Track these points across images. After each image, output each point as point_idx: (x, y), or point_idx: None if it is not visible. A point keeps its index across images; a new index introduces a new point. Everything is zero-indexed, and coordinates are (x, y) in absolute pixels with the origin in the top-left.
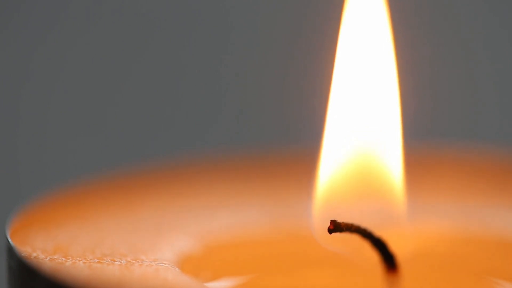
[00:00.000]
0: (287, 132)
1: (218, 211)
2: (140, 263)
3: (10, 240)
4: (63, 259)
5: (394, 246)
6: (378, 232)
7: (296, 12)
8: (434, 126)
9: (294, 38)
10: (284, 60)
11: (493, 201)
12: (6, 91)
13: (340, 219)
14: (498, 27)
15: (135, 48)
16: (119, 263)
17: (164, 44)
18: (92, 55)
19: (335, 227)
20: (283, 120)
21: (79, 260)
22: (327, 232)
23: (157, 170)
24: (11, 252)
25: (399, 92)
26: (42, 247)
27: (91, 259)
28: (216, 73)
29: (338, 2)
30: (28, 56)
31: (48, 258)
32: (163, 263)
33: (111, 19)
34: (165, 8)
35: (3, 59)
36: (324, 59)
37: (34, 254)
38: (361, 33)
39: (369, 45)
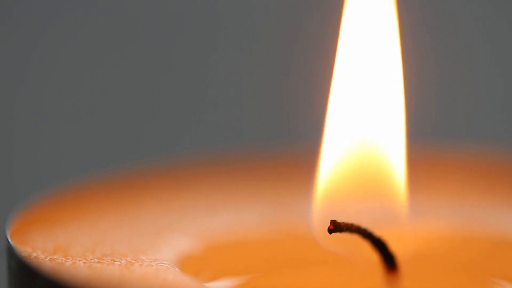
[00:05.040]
0: (287, 132)
1: (218, 211)
2: (140, 263)
3: (10, 240)
4: (63, 259)
5: (394, 246)
6: (378, 232)
7: (296, 10)
8: (434, 126)
9: (294, 37)
10: (284, 59)
11: (493, 201)
12: (5, 90)
13: (340, 219)
14: (501, 27)
15: (135, 47)
16: (119, 263)
17: (164, 43)
18: (91, 54)
19: (335, 227)
20: (283, 120)
21: (79, 260)
22: (327, 232)
23: (156, 170)
24: (11, 252)
25: (401, 91)
26: (42, 247)
27: (91, 259)
28: (216, 72)
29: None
30: (25, 56)
31: (48, 258)
32: (163, 263)
33: (109, 18)
34: (165, 7)
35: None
36: (326, 58)
37: (34, 254)
38: (364, 30)
39: (371, 44)
